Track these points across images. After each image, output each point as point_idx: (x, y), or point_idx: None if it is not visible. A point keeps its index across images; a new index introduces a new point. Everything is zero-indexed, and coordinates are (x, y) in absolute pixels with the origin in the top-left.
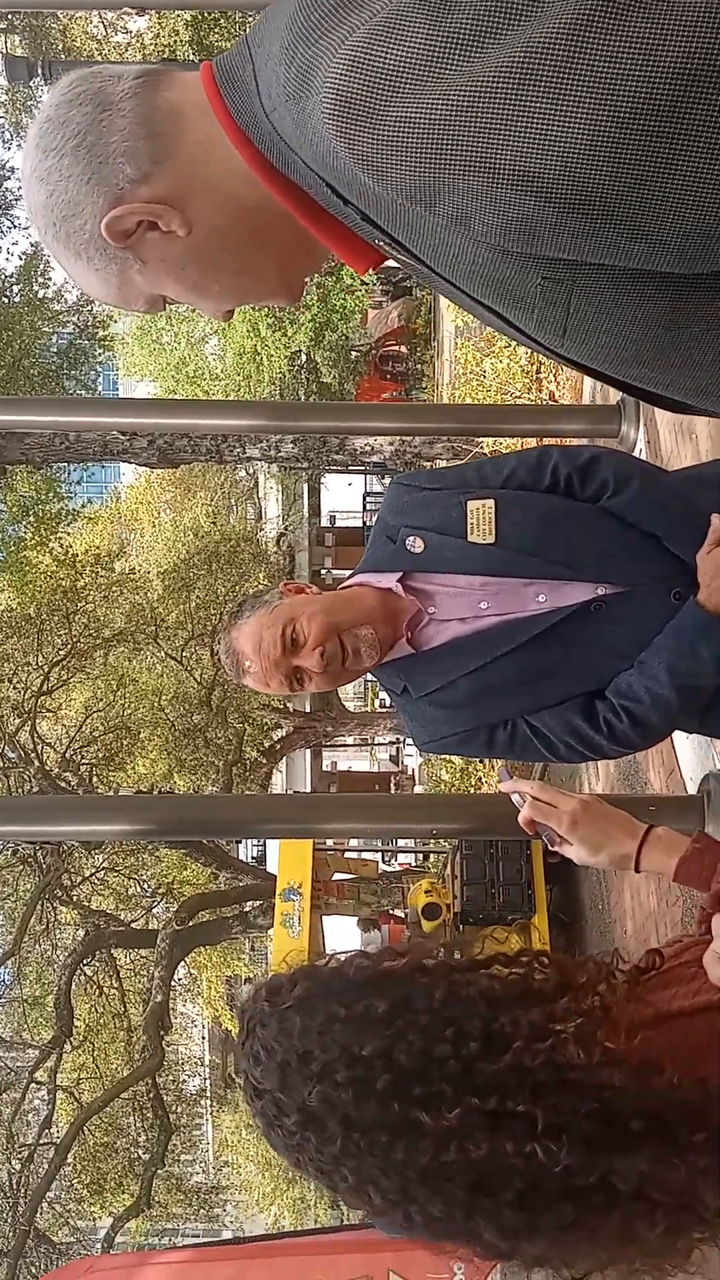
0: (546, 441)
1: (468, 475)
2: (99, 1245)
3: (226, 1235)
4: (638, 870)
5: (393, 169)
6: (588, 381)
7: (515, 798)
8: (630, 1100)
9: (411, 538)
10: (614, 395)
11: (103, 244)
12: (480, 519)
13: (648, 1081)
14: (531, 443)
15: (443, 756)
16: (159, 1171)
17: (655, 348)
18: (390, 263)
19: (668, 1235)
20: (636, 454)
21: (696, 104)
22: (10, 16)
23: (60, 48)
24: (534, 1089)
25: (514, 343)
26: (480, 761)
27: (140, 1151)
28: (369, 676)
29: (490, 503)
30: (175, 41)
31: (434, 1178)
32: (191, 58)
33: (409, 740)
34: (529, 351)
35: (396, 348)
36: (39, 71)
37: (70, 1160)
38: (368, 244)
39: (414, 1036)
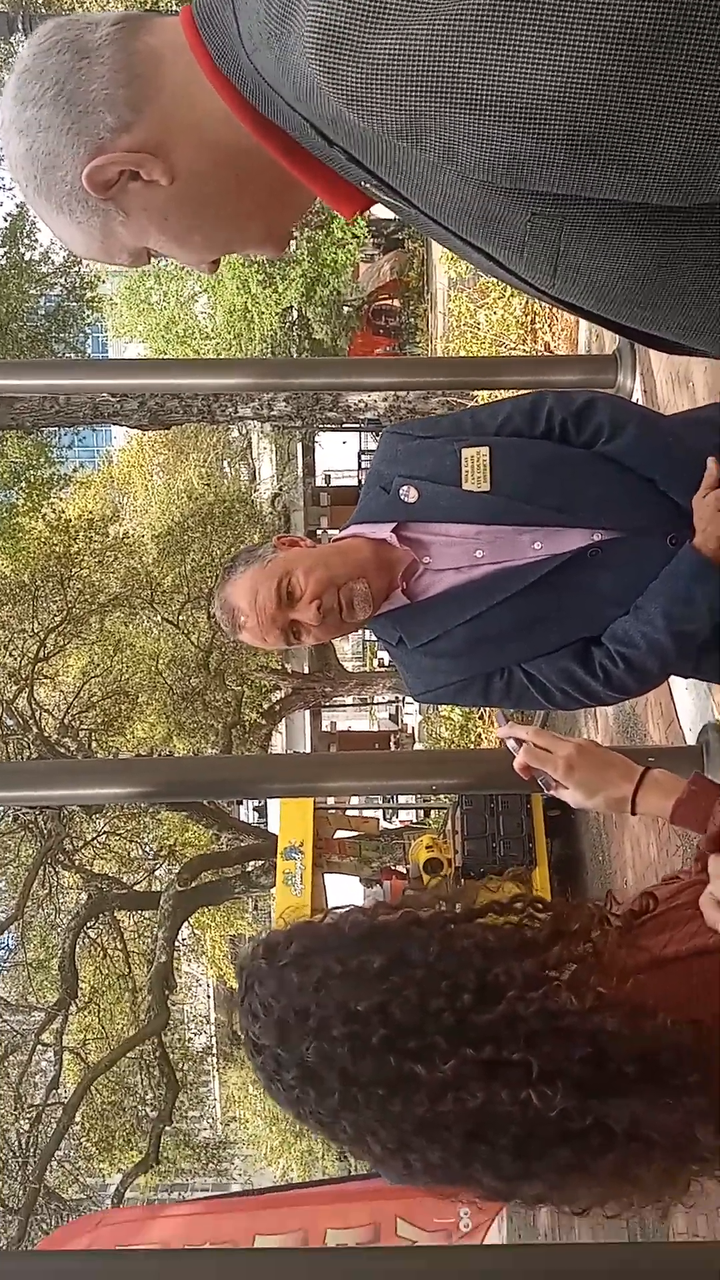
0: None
1: (462, 422)
2: (109, 1201)
3: (235, 1189)
4: (634, 813)
5: (378, 103)
6: (583, 331)
7: (511, 743)
8: (624, 1044)
9: (405, 487)
10: (610, 345)
11: (84, 195)
12: (475, 466)
13: (641, 1025)
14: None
15: (442, 713)
16: (167, 1128)
17: (646, 285)
18: (382, 213)
19: (665, 1174)
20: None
21: (686, 31)
22: None
23: (41, 1)
24: (528, 1037)
25: (508, 293)
26: (480, 717)
27: (148, 1109)
28: (367, 635)
29: (485, 450)
30: None
31: (431, 1128)
32: (175, 9)
33: (408, 699)
34: (524, 302)
35: (389, 302)
36: (19, 26)
37: (78, 1119)
38: (354, 187)
39: (409, 991)
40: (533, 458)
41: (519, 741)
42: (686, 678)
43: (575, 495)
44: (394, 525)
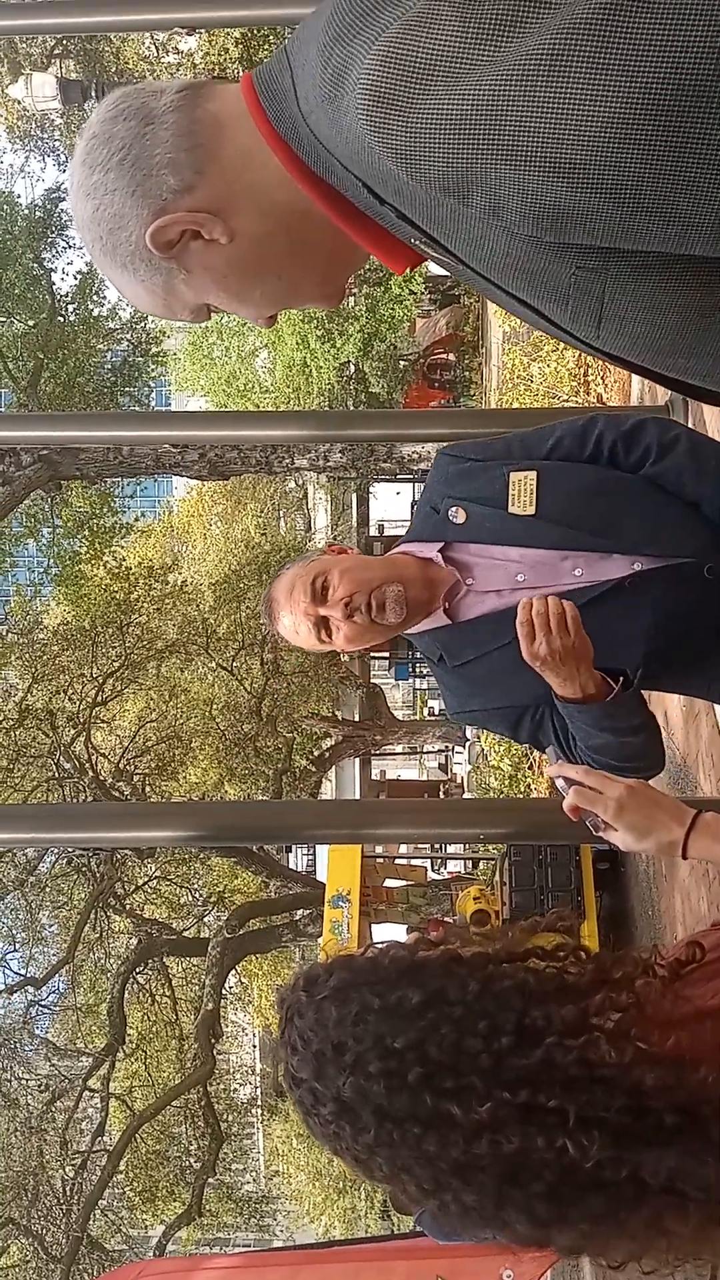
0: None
1: (513, 446)
2: (151, 1253)
3: (277, 1245)
4: (685, 857)
5: (426, 161)
6: (635, 383)
7: (560, 782)
8: (663, 1096)
9: (454, 508)
10: (662, 396)
11: (148, 254)
12: (522, 490)
13: (682, 1078)
14: None
15: (491, 763)
16: (210, 1180)
17: (691, 337)
18: (439, 270)
19: (700, 1229)
20: None
21: None
22: (64, 41)
23: (113, 70)
24: (565, 1084)
25: (561, 346)
26: (530, 767)
27: (192, 1160)
28: (417, 684)
29: (533, 474)
30: (225, 59)
31: (466, 1169)
32: (238, 77)
33: (458, 749)
34: (576, 356)
35: (444, 355)
36: (93, 93)
37: (122, 1167)
38: (405, 244)
39: (446, 1029)
40: (580, 483)
41: (569, 781)
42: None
43: (618, 522)
44: (440, 545)
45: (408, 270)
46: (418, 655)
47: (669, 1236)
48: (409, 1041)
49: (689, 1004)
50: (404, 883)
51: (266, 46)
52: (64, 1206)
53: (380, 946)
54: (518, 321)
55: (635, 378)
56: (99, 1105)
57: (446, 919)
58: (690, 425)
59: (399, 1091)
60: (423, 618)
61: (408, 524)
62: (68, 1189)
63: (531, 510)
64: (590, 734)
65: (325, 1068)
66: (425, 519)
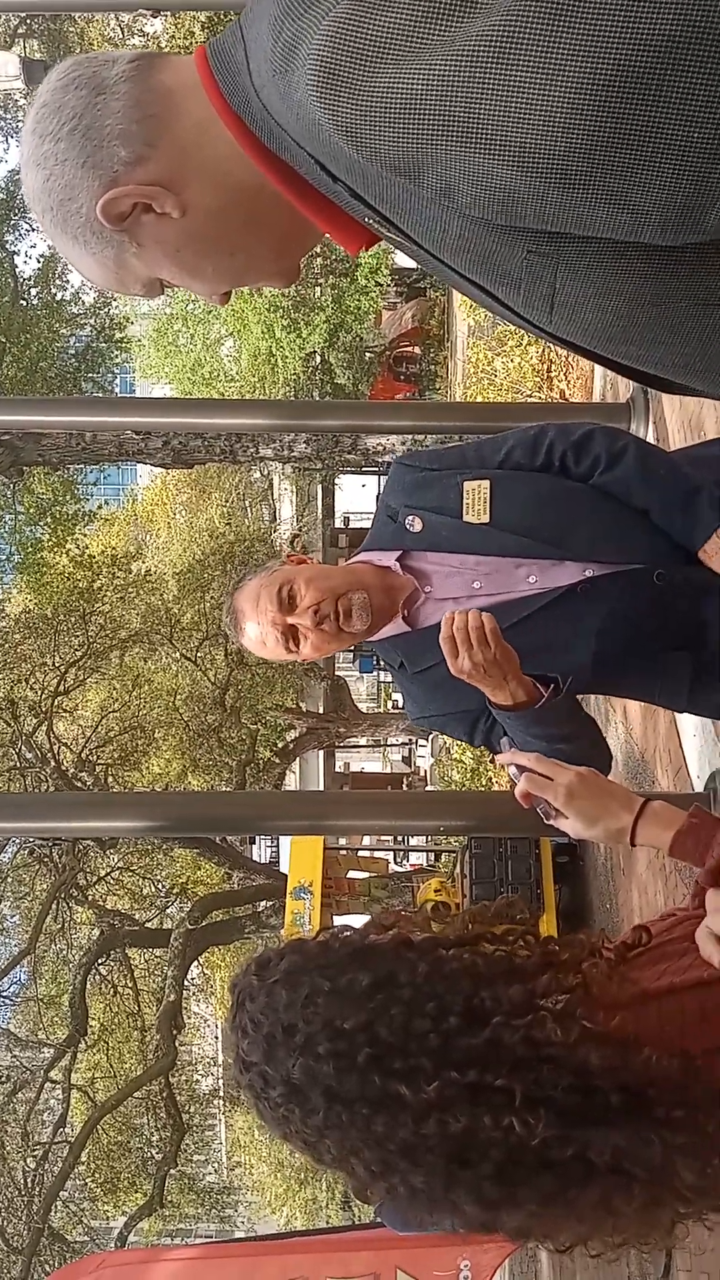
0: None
1: (467, 455)
2: (112, 1244)
3: (239, 1235)
4: (633, 844)
5: (376, 140)
6: (598, 379)
7: (512, 769)
8: (609, 1076)
9: (410, 517)
10: (624, 393)
11: (99, 227)
12: (475, 499)
13: (627, 1058)
14: None
15: (454, 755)
16: (172, 1171)
17: (642, 324)
18: (405, 262)
19: (645, 1209)
20: None
21: (678, 72)
22: (29, 20)
23: (77, 50)
24: (512, 1063)
25: (525, 341)
26: (491, 761)
27: (153, 1151)
28: (382, 676)
29: (485, 484)
30: (191, 42)
31: (414, 1149)
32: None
33: (420, 742)
34: (540, 351)
35: (410, 348)
36: None
37: (84, 1159)
38: (359, 223)
39: (395, 1010)
40: (532, 491)
41: (520, 768)
42: (681, 713)
43: (570, 530)
44: (398, 554)
45: (364, 252)
46: None
47: (616, 1217)
48: (358, 1023)
49: (635, 986)
50: (366, 875)
51: None
52: (25, 1198)
53: (331, 931)
54: (483, 316)
55: (598, 373)
56: (60, 1096)
57: (405, 911)
58: (650, 417)
59: (348, 1072)
60: (384, 625)
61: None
62: (29, 1180)
63: (485, 519)
64: (524, 740)
65: (275, 1050)
66: (383, 527)
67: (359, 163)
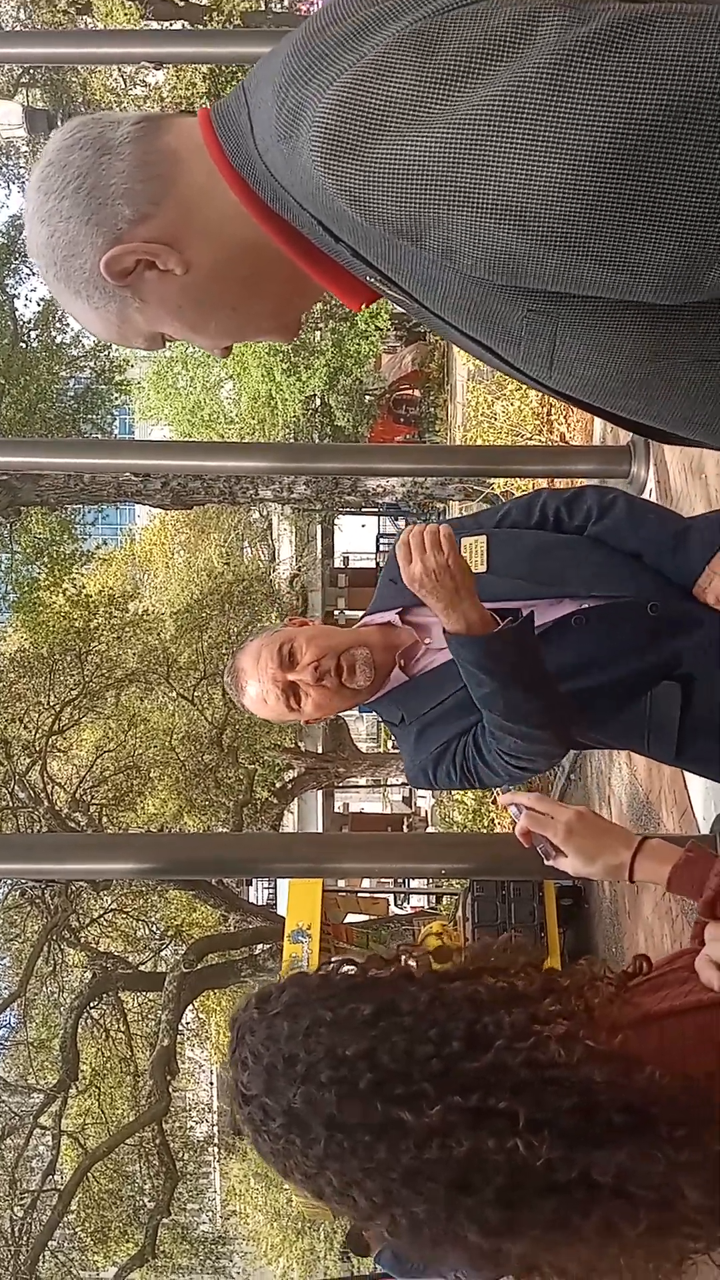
0: (557, 483)
1: (465, 521)
2: None
3: None
4: (632, 880)
5: (379, 204)
6: (597, 423)
7: (513, 809)
8: (612, 1094)
9: None
10: (624, 436)
11: (102, 282)
12: (472, 552)
13: (630, 1078)
14: (542, 483)
15: (455, 797)
16: (164, 1220)
17: (641, 379)
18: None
19: (650, 1233)
20: (646, 494)
21: (677, 137)
22: (32, 71)
23: (80, 100)
24: (515, 1086)
25: (523, 385)
26: (493, 802)
27: (146, 1199)
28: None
29: (482, 538)
30: (193, 94)
31: (417, 1177)
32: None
33: None
34: (539, 394)
35: (410, 391)
36: (59, 123)
37: (74, 1207)
38: (360, 281)
39: (397, 1037)
40: (527, 544)
41: (520, 808)
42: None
43: (564, 572)
44: (399, 609)
45: (364, 307)
46: None
47: (621, 1241)
48: (360, 1050)
49: (637, 1009)
50: (366, 917)
51: (234, 82)
52: (12, 1248)
53: (333, 965)
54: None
55: (598, 418)
56: (50, 1143)
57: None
58: (650, 462)
59: (350, 1099)
60: (385, 684)
61: (372, 556)
62: (16, 1229)
63: (483, 568)
64: (477, 679)
65: (276, 1081)
66: (385, 589)
67: (361, 225)
